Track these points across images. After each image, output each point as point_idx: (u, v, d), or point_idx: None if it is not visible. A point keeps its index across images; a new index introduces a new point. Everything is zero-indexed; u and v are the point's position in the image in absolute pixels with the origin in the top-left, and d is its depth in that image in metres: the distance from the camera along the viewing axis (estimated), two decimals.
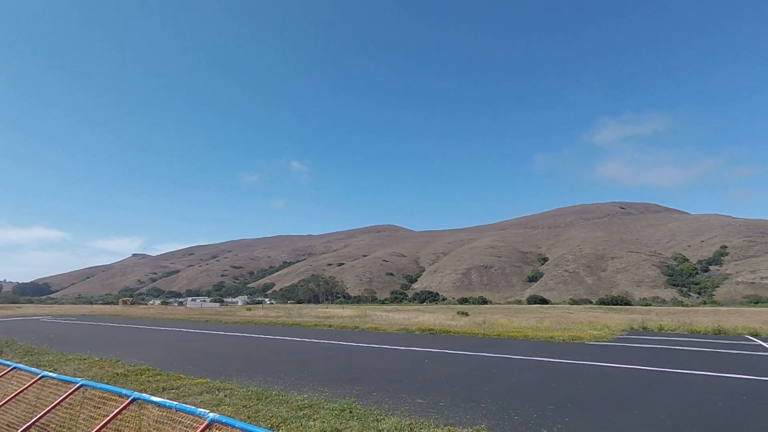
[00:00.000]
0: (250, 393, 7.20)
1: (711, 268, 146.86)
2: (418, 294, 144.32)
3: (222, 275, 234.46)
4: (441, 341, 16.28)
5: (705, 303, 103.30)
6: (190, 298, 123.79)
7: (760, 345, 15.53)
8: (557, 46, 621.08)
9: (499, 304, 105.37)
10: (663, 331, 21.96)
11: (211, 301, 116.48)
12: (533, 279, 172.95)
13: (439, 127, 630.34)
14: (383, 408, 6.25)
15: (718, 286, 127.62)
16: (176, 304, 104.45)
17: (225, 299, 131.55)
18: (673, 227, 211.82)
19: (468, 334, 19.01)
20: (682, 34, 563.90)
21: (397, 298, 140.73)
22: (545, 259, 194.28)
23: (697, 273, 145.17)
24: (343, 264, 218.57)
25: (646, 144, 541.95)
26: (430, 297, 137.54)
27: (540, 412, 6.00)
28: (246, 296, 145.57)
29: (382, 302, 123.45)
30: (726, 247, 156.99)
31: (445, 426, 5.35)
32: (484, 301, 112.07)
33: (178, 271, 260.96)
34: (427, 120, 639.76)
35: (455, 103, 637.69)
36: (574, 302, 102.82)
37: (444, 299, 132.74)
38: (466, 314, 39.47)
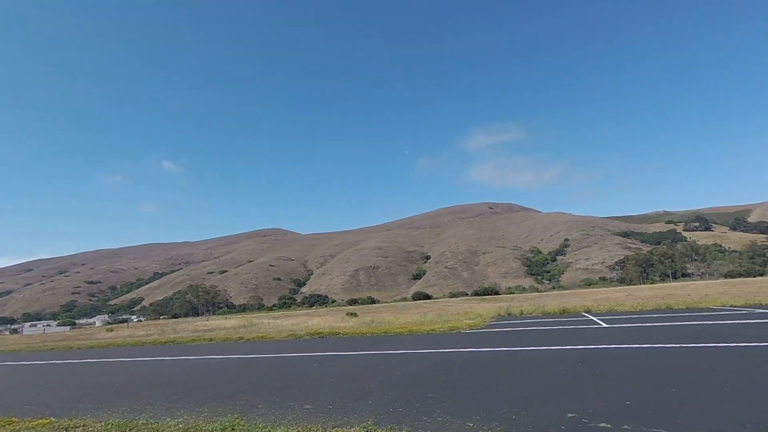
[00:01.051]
0: (109, 427, 6.23)
1: (558, 258, 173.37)
2: (307, 298, 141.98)
3: (73, 293, 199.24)
4: (330, 344, 16.27)
5: (554, 288, 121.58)
6: (28, 324, 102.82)
7: (592, 319, 18.94)
8: (438, 56, 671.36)
9: (387, 302, 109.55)
10: (523, 315, 25.28)
11: (59, 325, 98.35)
12: (417, 276, 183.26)
13: (324, 130, 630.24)
14: (269, 420, 5.98)
15: (563, 273, 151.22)
16: (7, 333, 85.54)
17: (78, 321, 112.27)
18: (529, 224, 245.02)
19: (357, 334, 19.35)
20: (534, 50, 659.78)
21: (286, 303, 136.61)
22: (428, 257, 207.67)
23: (548, 263, 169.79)
24: (225, 271, 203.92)
25: (509, 150, 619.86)
26: (319, 300, 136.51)
27: (422, 401, 6.39)
28: (107, 315, 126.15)
29: (270, 309, 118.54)
30: (568, 239, 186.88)
31: (333, 428, 5.34)
32: (373, 301, 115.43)
33: (9, 292, 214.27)
34: (313, 122, 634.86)
35: (339, 106, 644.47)
36: (453, 295, 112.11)
37: (333, 301, 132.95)
38: (355, 315, 40.12)
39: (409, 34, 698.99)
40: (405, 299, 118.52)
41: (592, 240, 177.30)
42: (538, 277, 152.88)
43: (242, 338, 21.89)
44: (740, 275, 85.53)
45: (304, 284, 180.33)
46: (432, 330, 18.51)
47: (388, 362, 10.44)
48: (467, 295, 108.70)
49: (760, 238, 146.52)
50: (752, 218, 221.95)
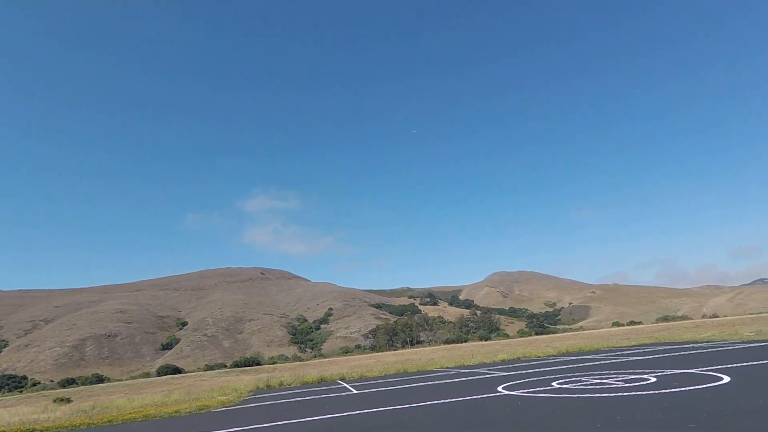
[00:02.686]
0: None
1: (322, 326, 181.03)
2: None
3: None
4: None
5: (315, 356, 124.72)
6: None
7: (345, 387, 20.09)
8: (227, 109, 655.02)
9: (121, 380, 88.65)
10: (283, 386, 24.64)
11: None
12: (168, 346, 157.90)
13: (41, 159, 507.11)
14: None
15: (324, 341, 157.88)
16: None
17: None
18: (298, 292, 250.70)
19: (65, 428, 14.64)
20: (315, 123, 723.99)
21: None
22: (185, 324, 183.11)
23: (312, 331, 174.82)
24: None
25: (286, 218, 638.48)
26: (12, 383, 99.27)
27: None
28: None
29: None
30: (332, 309, 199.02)
31: None
32: (100, 380, 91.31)
33: None
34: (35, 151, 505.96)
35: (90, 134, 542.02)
36: (209, 368, 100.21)
37: (37, 384, 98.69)
38: (69, 400, 30.80)
39: (206, 85, 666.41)
40: (147, 375, 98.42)
41: (351, 310, 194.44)
42: (302, 346, 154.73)
43: None
44: (454, 341, 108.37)
45: None
46: (176, 412, 15.79)
47: None
48: (226, 366, 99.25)
49: (466, 312, 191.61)
50: (462, 296, 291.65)
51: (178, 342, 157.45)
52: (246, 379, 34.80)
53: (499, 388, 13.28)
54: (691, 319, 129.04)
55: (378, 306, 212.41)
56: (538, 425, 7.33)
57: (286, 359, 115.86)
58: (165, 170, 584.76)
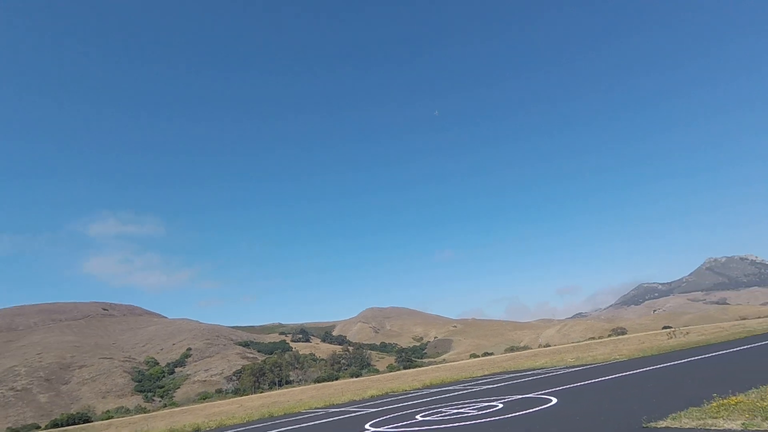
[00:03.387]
0: None
1: (176, 369, 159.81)
2: None
3: None
4: None
5: (166, 406, 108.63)
6: None
7: None
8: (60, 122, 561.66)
9: None
10: None
11: None
12: None
13: None
14: None
15: (179, 387, 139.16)
16: None
17: None
18: (151, 331, 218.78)
19: None
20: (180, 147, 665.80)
21: None
22: None
23: (164, 376, 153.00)
24: None
25: (142, 245, 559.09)
26: None
27: None
28: None
29: None
30: (191, 349, 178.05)
31: None
32: None
33: None
34: None
35: None
36: (13, 431, 79.39)
37: None
38: None
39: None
40: None
41: (215, 350, 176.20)
42: (149, 394, 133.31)
43: None
44: (325, 380, 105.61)
45: None
46: None
47: None
48: (39, 427, 79.55)
49: (338, 348, 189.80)
50: (335, 332, 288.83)
51: None
52: None
53: (367, 426, 13.30)
54: (531, 348, 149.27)
55: (246, 344, 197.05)
56: None
57: (126, 412, 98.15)
58: None
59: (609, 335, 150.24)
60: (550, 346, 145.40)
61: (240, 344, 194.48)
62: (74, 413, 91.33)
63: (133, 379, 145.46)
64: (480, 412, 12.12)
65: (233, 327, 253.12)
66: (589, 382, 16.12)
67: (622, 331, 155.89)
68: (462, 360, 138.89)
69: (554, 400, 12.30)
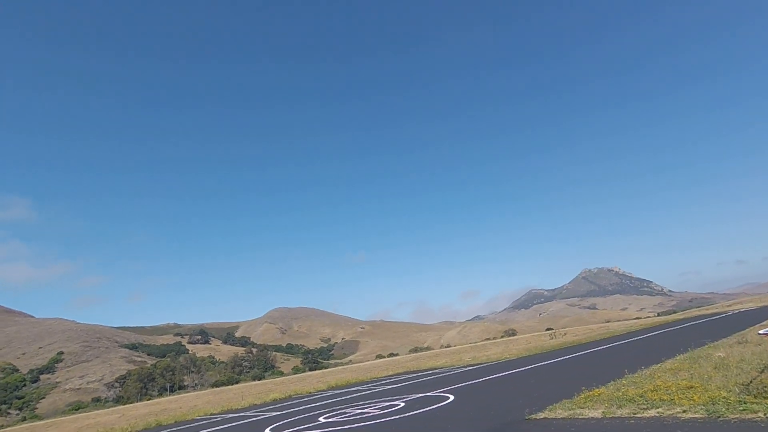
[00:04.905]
0: None
1: (42, 377, 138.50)
2: None
3: None
4: None
5: (25, 419, 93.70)
6: None
7: None
8: None
9: None
10: None
11: None
12: None
13: None
14: None
15: (44, 397, 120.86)
16: None
17: None
18: (11, 332, 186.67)
19: None
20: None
21: None
22: None
23: (24, 385, 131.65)
24: None
25: (5, 231, 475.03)
26: None
27: None
28: None
29: None
30: (63, 353, 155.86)
31: None
32: None
33: None
34: None
35: None
36: None
37: None
38: None
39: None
40: None
41: (94, 353, 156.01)
42: (3, 407, 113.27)
43: None
44: (224, 383, 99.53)
45: None
46: None
47: None
48: None
49: (241, 350, 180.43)
50: (239, 333, 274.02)
51: None
52: None
53: (267, 431, 12.86)
54: (433, 349, 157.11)
55: (133, 347, 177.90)
56: None
57: None
58: None
59: (502, 336, 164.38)
60: (450, 346, 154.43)
61: (126, 347, 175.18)
62: None
63: None
64: (382, 412, 12.43)
65: (119, 328, 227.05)
66: (483, 379, 17.47)
67: (513, 333, 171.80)
68: (368, 361, 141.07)
69: (451, 398, 13.10)
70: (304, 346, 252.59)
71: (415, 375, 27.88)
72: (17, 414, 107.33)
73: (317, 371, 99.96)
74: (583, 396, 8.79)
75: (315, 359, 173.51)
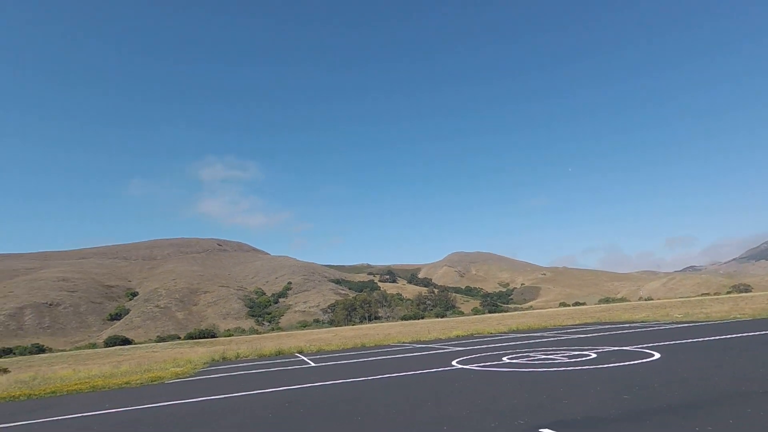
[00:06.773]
0: None
1: (280, 300, 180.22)
2: None
3: None
4: None
5: (273, 329, 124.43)
6: None
7: (303, 359, 20.25)
8: (176, 76, 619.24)
9: (65, 350, 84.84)
10: (239, 358, 24.47)
11: None
12: (117, 317, 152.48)
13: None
14: None
15: (283, 315, 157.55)
16: None
17: None
18: (257, 265, 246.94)
19: (1, 401, 13.89)
20: (286, 94, 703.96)
21: None
22: (135, 294, 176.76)
23: (270, 305, 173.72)
24: None
25: (245, 188, 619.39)
26: None
27: None
28: None
29: None
30: (291, 283, 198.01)
31: None
32: (41, 350, 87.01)
33: None
34: None
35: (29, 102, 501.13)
36: (161, 339, 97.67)
37: None
38: (5, 371, 29.27)
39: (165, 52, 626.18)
40: (93, 345, 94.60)
41: (311, 285, 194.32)
42: (259, 319, 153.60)
43: None
44: (411, 318, 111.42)
45: None
46: (126, 383, 15.35)
47: None
48: (180, 338, 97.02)
49: (424, 290, 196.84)
50: (421, 275, 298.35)
51: (128, 312, 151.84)
52: (201, 351, 34.27)
53: (454, 362, 13.85)
54: (629, 301, 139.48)
55: (337, 281, 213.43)
56: (489, 394, 7.77)
57: (242, 332, 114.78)
58: (108, 136, 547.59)
59: (728, 292, 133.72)
60: (652, 299, 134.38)
61: (332, 281, 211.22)
62: (203, 329, 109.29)
63: (245, 305, 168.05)
64: (571, 360, 11.86)
65: (326, 265, 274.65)
66: (701, 339, 14.72)
67: (746, 288, 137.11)
68: (550, 308, 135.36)
69: (657, 355, 11.51)
70: (482, 289, 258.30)
71: (607, 326, 25.49)
72: (268, 325, 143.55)
73: (496, 314, 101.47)
74: None
75: (494, 302, 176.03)
